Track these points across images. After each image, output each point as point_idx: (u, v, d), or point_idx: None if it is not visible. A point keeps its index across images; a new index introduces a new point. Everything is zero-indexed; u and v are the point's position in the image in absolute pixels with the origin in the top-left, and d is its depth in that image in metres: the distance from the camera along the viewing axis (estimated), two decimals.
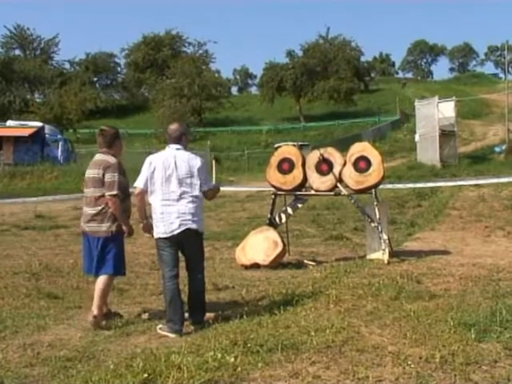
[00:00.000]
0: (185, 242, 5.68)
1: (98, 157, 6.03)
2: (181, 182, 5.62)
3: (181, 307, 5.64)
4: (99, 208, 5.88)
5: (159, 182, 5.63)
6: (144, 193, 5.70)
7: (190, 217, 5.62)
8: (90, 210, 5.94)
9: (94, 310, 5.85)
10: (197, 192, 5.69)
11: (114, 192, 5.80)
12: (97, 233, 5.91)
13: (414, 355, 4.36)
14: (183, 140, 5.84)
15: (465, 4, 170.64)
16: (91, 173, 5.97)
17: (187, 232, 5.61)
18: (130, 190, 6.03)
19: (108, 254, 5.92)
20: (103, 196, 5.87)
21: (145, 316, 6.16)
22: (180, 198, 5.61)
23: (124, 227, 5.94)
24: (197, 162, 5.74)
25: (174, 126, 5.93)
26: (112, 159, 5.95)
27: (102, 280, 5.96)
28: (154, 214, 5.67)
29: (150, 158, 5.80)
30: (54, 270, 8.79)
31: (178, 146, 5.78)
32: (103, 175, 5.86)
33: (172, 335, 5.45)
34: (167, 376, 4.09)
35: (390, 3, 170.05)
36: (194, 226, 5.64)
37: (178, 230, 5.58)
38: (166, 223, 5.58)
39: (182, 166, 5.66)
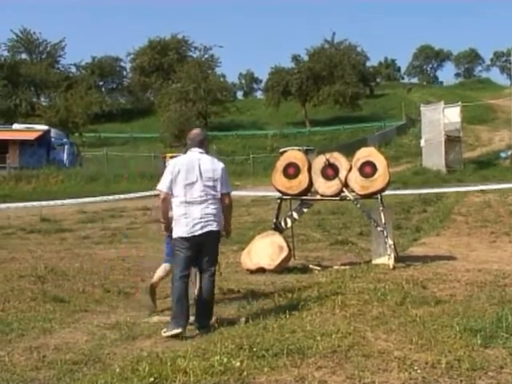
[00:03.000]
0: (205, 244, 5.77)
1: None
2: (204, 185, 5.76)
3: (187, 305, 5.70)
4: None
5: (183, 184, 5.73)
6: (169, 196, 5.79)
7: (212, 218, 5.76)
8: None
9: (154, 279, 6.76)
10: (218, 194, 5.84)
11: None
12: None
13: (420, 360, 4.34)
14: (205, 144, 6.00)
15: (471, 9, 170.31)
16: None
17: (209, 234, 5.74)
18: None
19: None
20: None
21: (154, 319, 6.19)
22: (203, 200, 5.73)
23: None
24: (219, 165, 5.92)
25: (196, 131, 6.15)
26: None
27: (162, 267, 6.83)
28: (176, 215, 5.75)
29: (174, 162, 5.93)
30: (60, 273, 8.80)
31: (201, 150, 5.92)
32: None
33: (177, 330, 5.48)
34: (173, 380, 4.10)
35: (395, 8, 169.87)
36: (215, 228, 5.78)
37: (200, 232, 5.70)
38: (188, 224, 5.68)
39: (207, 169, 5.80)
